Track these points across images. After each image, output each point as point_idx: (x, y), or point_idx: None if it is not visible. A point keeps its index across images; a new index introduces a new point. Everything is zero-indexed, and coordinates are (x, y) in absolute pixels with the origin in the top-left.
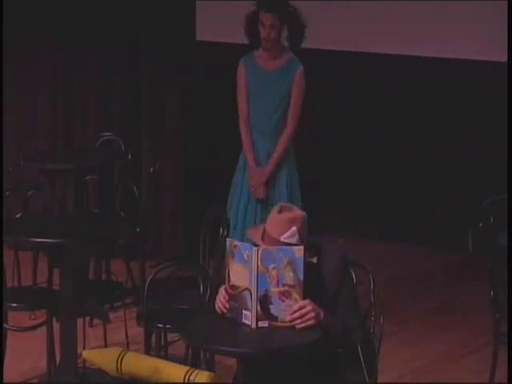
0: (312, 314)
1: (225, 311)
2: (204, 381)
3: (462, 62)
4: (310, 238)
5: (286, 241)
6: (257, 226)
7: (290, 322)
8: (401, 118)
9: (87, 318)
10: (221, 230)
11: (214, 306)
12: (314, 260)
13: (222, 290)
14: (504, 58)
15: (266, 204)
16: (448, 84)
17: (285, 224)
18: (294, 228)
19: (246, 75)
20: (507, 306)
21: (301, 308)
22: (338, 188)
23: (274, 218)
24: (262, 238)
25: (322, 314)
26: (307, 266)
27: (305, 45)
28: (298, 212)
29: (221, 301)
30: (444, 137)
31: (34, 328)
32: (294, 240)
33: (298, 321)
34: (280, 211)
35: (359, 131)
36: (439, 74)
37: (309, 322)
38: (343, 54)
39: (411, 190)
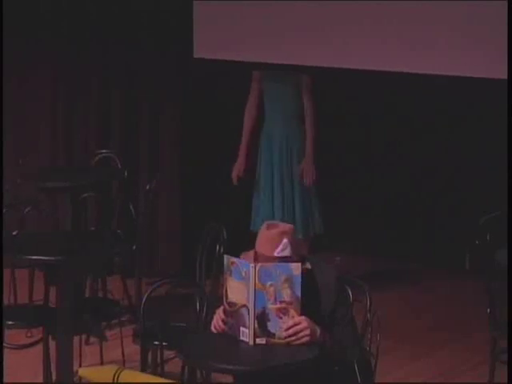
0: (307, 332)
1: (221, 332)
2: None
3: (464, 79)
4: (308, 256)
5: (279, 255)
6: (247, 252)
7: (285, 338)
8: (398, 136)
9: (83, 336)
10: (217, 247)
11: (211, 324)
12: (308, 265)
13: (219, 311)
14: (504, 75)
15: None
16: (444, 101)
17: (275, 238)
18: (285, 240)
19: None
20: (507, 323)
21: (295, 324)
22: (335, 206)
23: (264, 234)
24: (255, 261)
25: (318, 331)
26: (302, 274)
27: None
28: (285, 225)
29: (217, 322)
30: (442, 154)
31: (30, 345)
32: (287, 252)
33: (293, 337)
34: (268, 228)
35: (355, 148)
36: (437, 91)
37: (303, 339)
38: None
39: (408, 207)
